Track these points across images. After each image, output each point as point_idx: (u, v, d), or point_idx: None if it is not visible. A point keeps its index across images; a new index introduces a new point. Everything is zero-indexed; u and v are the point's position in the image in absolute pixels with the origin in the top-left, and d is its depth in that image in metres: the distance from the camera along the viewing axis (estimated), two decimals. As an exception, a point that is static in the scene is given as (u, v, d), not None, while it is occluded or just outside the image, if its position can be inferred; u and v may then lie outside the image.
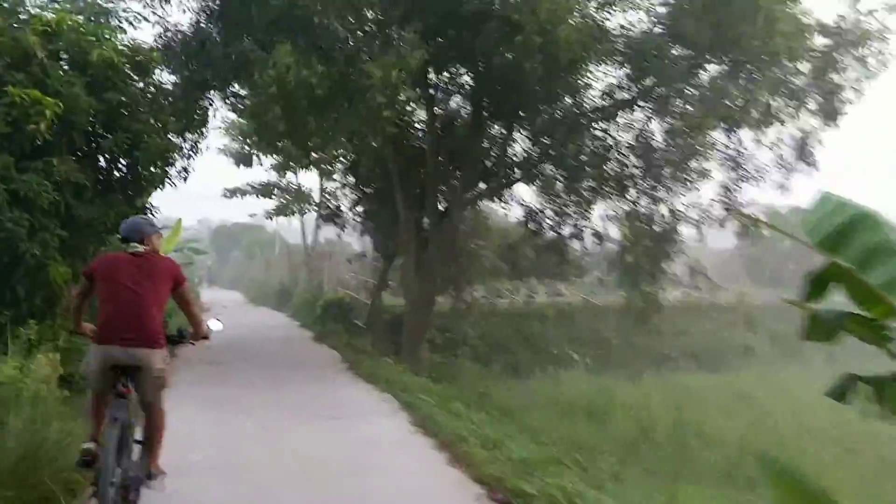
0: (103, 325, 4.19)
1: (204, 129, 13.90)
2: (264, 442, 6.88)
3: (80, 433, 5.93)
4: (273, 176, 26.64)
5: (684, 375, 19.48)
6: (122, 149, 9.19)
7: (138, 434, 4.46)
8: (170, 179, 10.16)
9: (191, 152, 13.08)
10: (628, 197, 14.20)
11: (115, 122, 9.29)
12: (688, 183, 13.82)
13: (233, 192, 27.75)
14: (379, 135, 12.18)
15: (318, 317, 20.65)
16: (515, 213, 15.97)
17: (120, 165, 9.48)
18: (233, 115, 22.66)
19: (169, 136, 10.19)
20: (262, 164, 24.36)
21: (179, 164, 11.59)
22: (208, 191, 31.58)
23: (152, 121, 9.77)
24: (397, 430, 7.55)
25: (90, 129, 9.12)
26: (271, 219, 29.60)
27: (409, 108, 12.96)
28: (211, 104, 14.12)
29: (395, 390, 9.70)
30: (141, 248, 4.37)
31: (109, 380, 4.19)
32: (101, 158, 9.42)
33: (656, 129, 14.20)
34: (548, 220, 14.84)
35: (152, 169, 9.46)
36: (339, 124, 11.42)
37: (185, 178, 11.57)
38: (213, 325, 4.82)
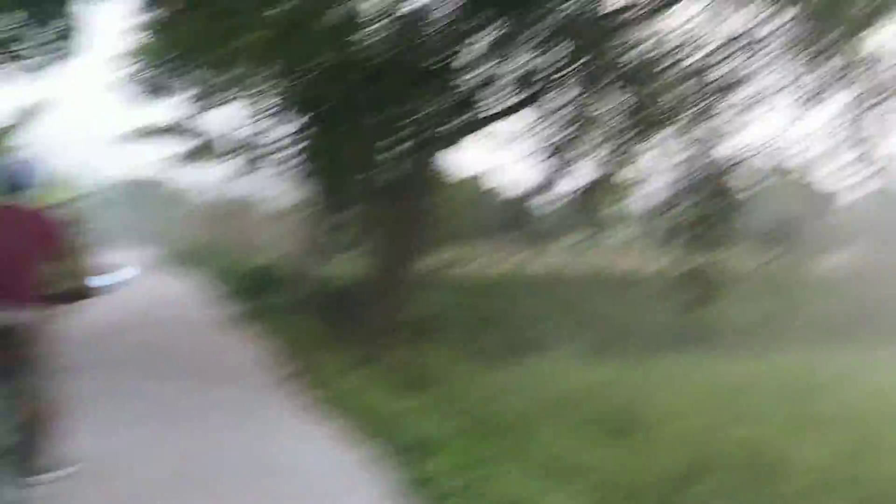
0: None
1: (65, 35, 9.34)
2: None
3: None
4: (181, 115, 21.71)
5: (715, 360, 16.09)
6: None
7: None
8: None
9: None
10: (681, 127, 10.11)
11: None
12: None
13: (134, 135, 22.92)
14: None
15: (240, 288, 16.29)
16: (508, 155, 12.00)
17: None
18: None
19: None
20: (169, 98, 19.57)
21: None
22: (105, 139, 27.05)
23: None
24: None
25: None
26: (179, 167, 24.81)
27: None
28: None
29: (384, 435, 5.68)
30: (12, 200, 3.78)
31: None
32: None
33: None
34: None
35: None
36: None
37: None
38: (115, 276, 4.09)
